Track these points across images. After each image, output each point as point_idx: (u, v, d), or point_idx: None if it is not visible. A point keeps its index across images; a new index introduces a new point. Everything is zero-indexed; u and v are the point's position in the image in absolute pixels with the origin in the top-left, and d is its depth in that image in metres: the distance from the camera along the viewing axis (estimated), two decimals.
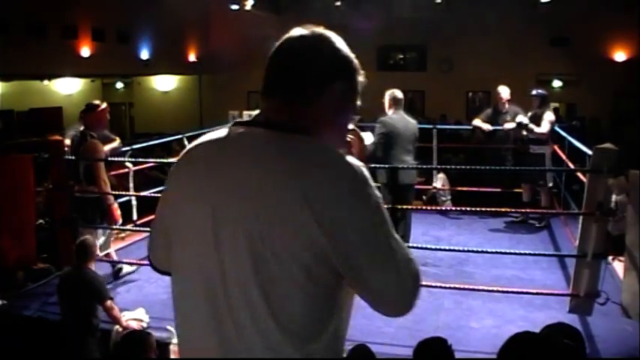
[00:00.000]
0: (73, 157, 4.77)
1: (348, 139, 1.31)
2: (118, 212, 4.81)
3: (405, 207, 5.10)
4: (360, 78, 1.25)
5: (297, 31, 1.21)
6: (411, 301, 1.15)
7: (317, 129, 1.17)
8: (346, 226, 1.06)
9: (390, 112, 5.26)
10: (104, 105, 4.89)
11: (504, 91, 6.65)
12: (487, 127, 6.68)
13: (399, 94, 5.31)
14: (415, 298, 1.15)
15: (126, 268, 4.92)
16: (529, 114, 6.36)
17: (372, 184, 1.12)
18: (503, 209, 5.87)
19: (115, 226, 4.95)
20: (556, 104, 15.98)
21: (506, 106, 6.60)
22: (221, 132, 1.21)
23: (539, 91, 6.41)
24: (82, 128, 4.80)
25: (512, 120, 6.38)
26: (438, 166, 7.50)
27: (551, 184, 6.49)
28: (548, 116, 6.23)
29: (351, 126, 1.31)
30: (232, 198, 1.11)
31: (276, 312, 1.08)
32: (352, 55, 1.24)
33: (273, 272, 1.07)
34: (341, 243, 1.07)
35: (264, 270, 1.07)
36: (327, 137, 1.19)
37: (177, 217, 1.21)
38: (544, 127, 6.12)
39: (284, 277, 1.07)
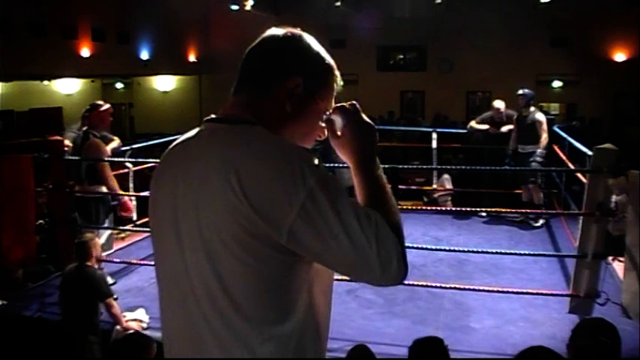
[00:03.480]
0: (76, 157, 4.78)
1: (330, 117, 1.28)
2: (131, 204, 4.87)
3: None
4: (337, 80, 1.27)
5: (270, 31, 1.25)
6: (389, 266, 1.11)
7: (276, 124, 1.19)
8: (281, 206, 1.05)
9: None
10: (107, 105, 4.92)
11: (501, 105, 6.98)
12: (486, 127, 6.93)
13: None
14: (392, 262, 1.11)
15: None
16: (515, 116, 6.62)
17: (313, 167, 1.09)
18: (502, 210, 5.89)
19: (117, 227, 4.96)
20: (556, 104, 16.03)
21: (502, 115, 6.91)
22: (191, 131, 1.24)
23: (526, 90, 6.54)
24: (84, 128, 4.83)
25: (510, 123, 6.69)
26: (438, 167, 7.51)
27: (539, 181, 6.54)
28: (541, 117, 6.41)
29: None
30: (186, 192, 1.14)
31: (233, 297, 1.09)
32: (325, 56, 1.25)
33: (223, 257, 1.09)
34: (277, 223, 1.06)
35: (216, 256, 1.09)
36: (289, 134, 1.21)
37: (152, 218, 1.26)
38: (543, 140, 6.28)
39: (232, 260, 1.09)
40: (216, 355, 1.12)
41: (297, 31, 1.25)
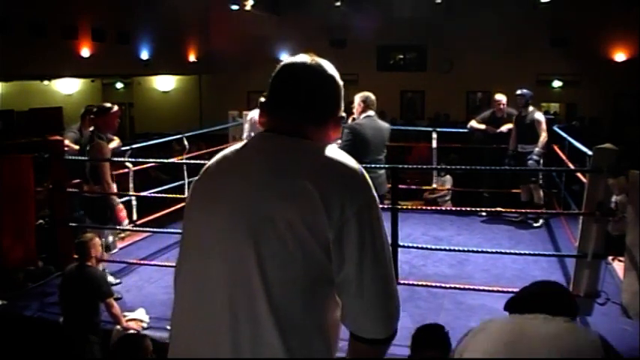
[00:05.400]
0: (77, 157, 4.81)
1: None
2: (122, 213, 4.79)
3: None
4: None
5: (306, 61, 1.32)
6: (395, 320, 1.28)
7: (317, 137, 1.29)
8: (343, 202, 1.15)
9: (360, 116, 4.82)
10: (116, 108, 4.92)
11: (502, 98, 6.86)
12: (483, 127, 6.89)
13: (372, 96, 4.91)
14: (396, 320, 1.28)
15: (110, 279, 4.68)
16: (513, 116, 6.58)
17: (370, 183, 1.25)
18: (502, 209, 5.89)
19: (118, 227, 4.95)
20: (556, 104, 16.02)
21: (503, 110, 6.82)
22: (240, 143, 1.33)
23: (524, 90, 6.52)
24: (91, 129, 4.85)
25: (509, 122, 6.65)
26: (438, 167, 7.51)
27: (540, 181, 6.53)
28: (540, 117, 6.39)
29: None
30: (244, 200, 1.17)
31: (271, 300, 1.11)
32: None
33: (274, 271, 1.11)
34: (334, 217, 1.14)
35: (268, 269, 1.11)
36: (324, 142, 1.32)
37: (194, 224, 1.27)
38: (542, 139, 6.26)
39: (285, 273, 1.11)
40: (229, 356, 1.13)
41: (328, 64, 1.35)
